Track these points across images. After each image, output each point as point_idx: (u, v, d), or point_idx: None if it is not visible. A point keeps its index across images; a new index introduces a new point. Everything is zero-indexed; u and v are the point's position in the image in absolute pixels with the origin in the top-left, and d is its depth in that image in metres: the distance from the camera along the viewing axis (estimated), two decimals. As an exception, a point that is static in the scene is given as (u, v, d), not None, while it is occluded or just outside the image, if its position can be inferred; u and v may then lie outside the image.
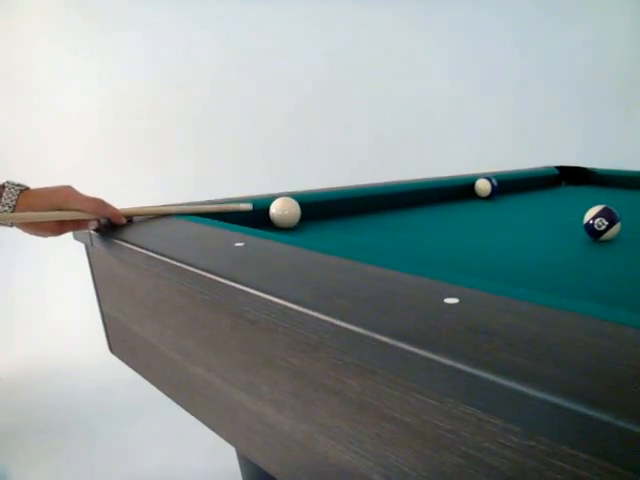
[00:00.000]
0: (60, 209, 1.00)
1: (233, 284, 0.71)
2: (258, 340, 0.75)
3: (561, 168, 2.09)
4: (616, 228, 1.10)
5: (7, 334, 2.94)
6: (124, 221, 1.10)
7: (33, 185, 1.03)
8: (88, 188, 1.20)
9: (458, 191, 1.74)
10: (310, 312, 0.60)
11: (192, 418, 1.02)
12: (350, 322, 0.56)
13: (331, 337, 0.58)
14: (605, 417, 0.38)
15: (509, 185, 1.86)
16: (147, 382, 1.17)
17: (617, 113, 3.84)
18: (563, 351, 0.46)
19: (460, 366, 0.46)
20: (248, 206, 1.28)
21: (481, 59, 3.76)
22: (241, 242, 0.89)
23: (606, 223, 1.09)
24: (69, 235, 1.18)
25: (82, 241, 1.18)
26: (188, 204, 1.26)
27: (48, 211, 0.99)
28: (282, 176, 2.93)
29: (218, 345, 0.85)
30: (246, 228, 1.02)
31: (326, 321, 0.58)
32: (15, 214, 0.96)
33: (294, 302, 0.62)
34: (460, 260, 0.98)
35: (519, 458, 0.46)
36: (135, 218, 1.15)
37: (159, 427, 2.22)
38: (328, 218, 1.40)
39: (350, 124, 3.52)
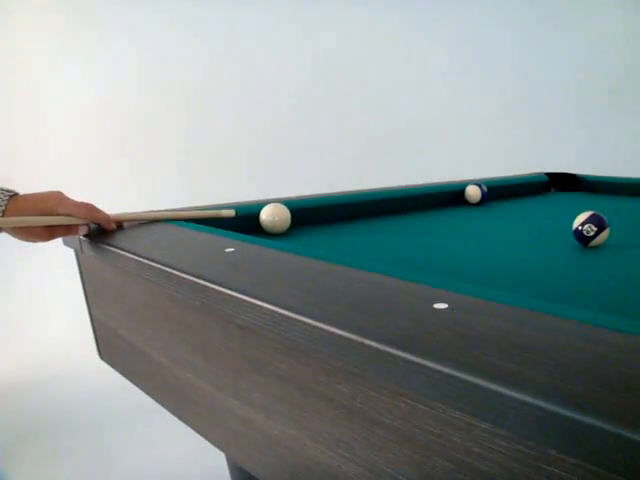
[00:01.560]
0: (50, 214, 0.99)
1: (223, 289, 0.71)
2: (247, 346, 0.75)
3: (550, 175, 2.10)
4: (605, 234, 1.10)
5: (5, 340, 2.92)
6: (114, 226, 1.10)
7: (22, 189, 1.02)
8: (77, 192, 1.19)
9: (448, 197, 1.75)
10: (300, 317, 0.60)
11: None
12: (339, 327, 0.56)
13: (320, 342, 0.58)
14: (593, 421, 0.38)
15: (499, 191, 1.87)
16: (138, 388, 1.16)
17: (608, 120, 3.86)
18: (551, 356, 0.46)
19: (449, 371, 0.46)
20: (231, 212, 1.28)
21: (473, 67, 3.78)
22: (231, 248, 0.89)
23: (595, 229, 1.09)
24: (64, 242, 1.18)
25: (72, 247, 1.17)
26: (173, 210, 1.26)
27: (38, 216, 0.99)
28: (271, 182, 2.93)
29: (208, 351, 0.85)
30: (237, 234, 1.02)
31: (315, 326, 0.58)
32: (4, 219, 0.95)
33: (284, 307, 0.62)
34: (450, 266, 0.98)
35: (508, 463, 0.46)
36: (125, 224, 1.15)
37: (156, 431, 2.21)
38: (318, 224, 1.40)
39: (339, 129, 3.53)
